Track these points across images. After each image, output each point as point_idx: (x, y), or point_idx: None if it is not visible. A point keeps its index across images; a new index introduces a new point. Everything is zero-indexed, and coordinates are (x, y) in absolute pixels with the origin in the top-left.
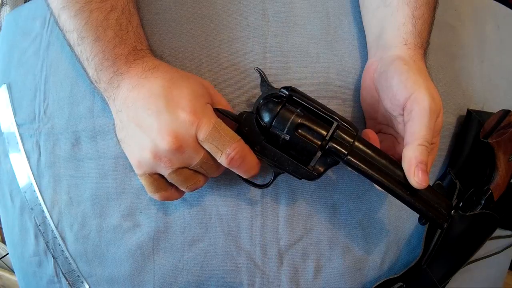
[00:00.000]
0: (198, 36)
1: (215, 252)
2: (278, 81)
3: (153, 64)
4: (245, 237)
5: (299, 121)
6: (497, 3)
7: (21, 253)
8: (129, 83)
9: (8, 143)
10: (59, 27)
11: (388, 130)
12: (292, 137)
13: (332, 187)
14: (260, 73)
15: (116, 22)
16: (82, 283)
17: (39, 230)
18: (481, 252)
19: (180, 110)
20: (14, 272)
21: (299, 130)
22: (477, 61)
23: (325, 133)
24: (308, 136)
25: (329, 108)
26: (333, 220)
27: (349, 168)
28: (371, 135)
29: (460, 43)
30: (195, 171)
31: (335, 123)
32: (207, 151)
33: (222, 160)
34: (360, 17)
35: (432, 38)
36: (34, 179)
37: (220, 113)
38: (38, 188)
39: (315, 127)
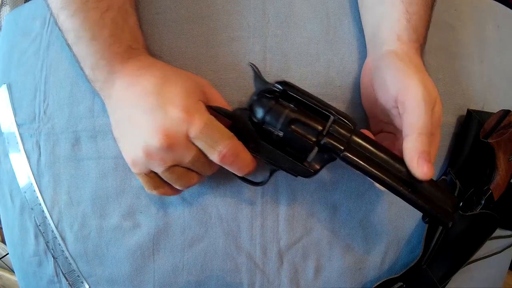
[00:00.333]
0: (198, 36)
1: (215, 252)
2: None
3: (148, 62)
4: (245, 237)
5: (292, 116)
6: (497, 3)
7: (21, 253)
8: (123, 82)
9: (8, 143)
10: (58, 27)
11: (389, 128)
12: (286, 133)
13: (332, 187)
14: (253, 68)
15: (111, 21)
16: (82, 283)
17: (39, 230)
18: (481, 252)
19: (171, 107)
20: (14, 272)
21: (293, 126)
22: (477, 61)
23: (320, 128)
24: (303, 132)
25: (325, 102)
26: (333, 220)
27: (348, 165)
28: (367, 134)
29: (460, 43)
30: (189, 169)
31: (331, 118)
32: (199, 148)
33: (214, 157)
34: (360, 17)
35: (432, 38)
36: (34, 179)
37: (214, 111)
38: (38, 188)
39: (309, 122)
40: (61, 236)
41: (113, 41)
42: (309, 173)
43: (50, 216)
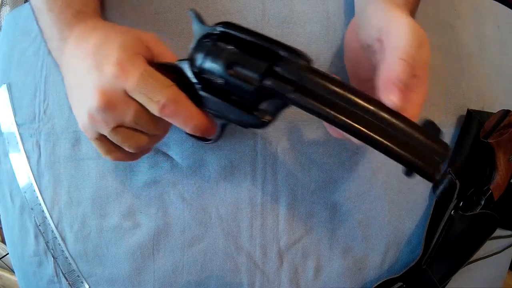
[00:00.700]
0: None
1: (215, 252)
2: None
3: (93, 25)
4: (245, 237)
5: (231, 59)
6: (497, 3)
7: (21, 253)
8: (70, 47)
9: (8, 143)
10: (31, 8)
11: (371, 85)
12: (226, 79)
13: (332, 187)
14: (193, 13)
15: None
16: (82, 283)
17: (39, 230)
18: (481, 252)
19: (106, 65)
20: (14, 272)
21: (232, 70)
22: (477, 61)
23: (264, 68)
24: (244, 75)
25: (273, 39)
26: (333, 220)
27: (305, 111)
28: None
29: (460, 43)
30: (134, 129)
31: (281, 55)
32: (140, 104)
33: (154, 109)
34: None
35: (432, 38)
36: (34, 179)
37: (157, 67)
38: (38, 188)
39: (251, 64)
40: (61, 236)
41: (64, 9)
42: (259, 123)
43: (50, 216)
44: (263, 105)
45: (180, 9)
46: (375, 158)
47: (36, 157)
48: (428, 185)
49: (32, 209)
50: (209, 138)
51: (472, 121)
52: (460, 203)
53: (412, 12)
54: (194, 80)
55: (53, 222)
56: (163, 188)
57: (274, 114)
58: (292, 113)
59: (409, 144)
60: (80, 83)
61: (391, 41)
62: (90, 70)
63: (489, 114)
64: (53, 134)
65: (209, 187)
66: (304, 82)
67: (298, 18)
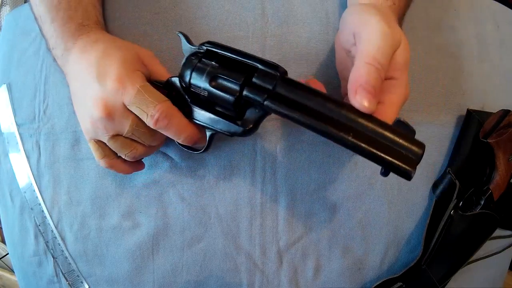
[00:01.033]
0: (198, 36)
1: (215, 252)
2: None
3: (95, 38)
4: (244, 237)
5: (214, 73)
6: (497, 3)
7: (21, 253)
8: (74, 58)
9: (8, 143)
10: (34, 15)
11: None
12: (209, 91)
13: (332, 187)
14: (182, 35)
15: (67, 4)
16: (82, 283)
17: (39, 230)
18: (481, 252)
19: (108, 79)
20: (14, 272)
21: (214, 83)
22: (477, 61)
23: (241, 79)
24: (225, 86)
25: (251, 54)
26: (333, 220)
27: (281, 117)
28: (318, 85)
29: (460, 43)
30: (132, 139)
31: (259, 68)
32: (136, 116)
33: (149, 122)
34: None
35: (432, 38)
36: (34, 179)
37: (152, 83)
38: (38, 188)
39: (229, 77)
40: (60, 236)
41: (66, 21)
42: (242, 132)
43: (50, 216)
44: (246, 115)
45: (180, 9)
46: None
47: (36, 157)
48: (428, 185)
49: (32, 209)
50: (198, 148)
51: (471, 121)
52: (459, 203)
53: (401, 10)
54: (184, 94)
55: (52, 222)
56: (162, 188)
57: (256, 122)
58: None
59: (382, 143)
60: (83, 92)
61: (361, 45)
62: (93, 81)
63: (488, 114)
64: (52, 134)
65: (208, 187)
66: (278, 90)
67: (297, 18)
